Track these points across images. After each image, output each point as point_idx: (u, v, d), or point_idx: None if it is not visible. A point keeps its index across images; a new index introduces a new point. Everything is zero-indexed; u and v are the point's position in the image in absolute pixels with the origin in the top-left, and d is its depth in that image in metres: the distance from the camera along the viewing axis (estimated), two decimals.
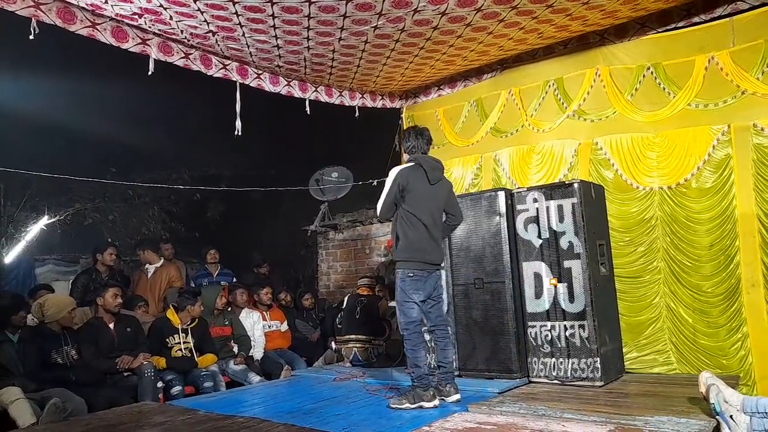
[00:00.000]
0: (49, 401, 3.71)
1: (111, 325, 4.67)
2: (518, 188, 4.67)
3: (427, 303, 3.82)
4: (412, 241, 3.74)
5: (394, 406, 3.69)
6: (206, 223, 13.03)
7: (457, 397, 3.78)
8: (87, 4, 4.07)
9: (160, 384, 4.51)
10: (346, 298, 5.95)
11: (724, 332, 4.49)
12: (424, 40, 4.89)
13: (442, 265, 4.05)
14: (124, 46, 4.44)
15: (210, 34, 4.58)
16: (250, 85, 5.41)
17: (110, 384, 4.41)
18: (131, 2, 4.01)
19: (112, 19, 4.30)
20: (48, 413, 3.66)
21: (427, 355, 3.85)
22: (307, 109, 5.88)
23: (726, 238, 4.53)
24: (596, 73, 5.26)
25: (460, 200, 4.70)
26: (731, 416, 2.83)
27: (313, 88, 5.95)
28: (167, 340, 4.89)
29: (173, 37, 4.67)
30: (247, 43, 4.77)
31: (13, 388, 3.75)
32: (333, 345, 5.92)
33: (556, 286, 4.23)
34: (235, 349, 5.42)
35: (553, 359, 4.20)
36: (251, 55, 5.06)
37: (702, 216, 4.64)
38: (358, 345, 5.50)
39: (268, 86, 5.59)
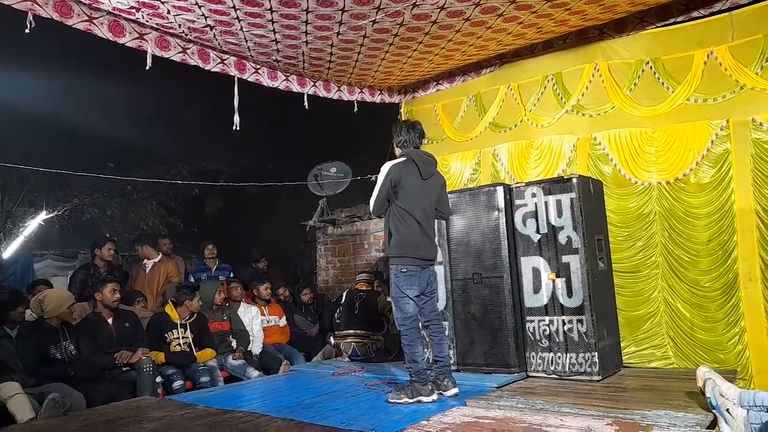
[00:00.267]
0: (48, 396, 3.71)
1: (109, 321, 4.67)
2: (517, 183, 4.67)
3: (421, 299, 3.81)
4: (404, 237, 3.72)
5: (392, 400, 3.69)
6: (204, 219, 13.02)
7: (455, 390, 3.78)
8: None
9: (159, 379, 4.51)
10: (344, 293, 5.95)
11: (722, 327, 4.50)
12: (422, 35, 4.87)
13: (436, 260, 4.04)
14: (121, 40, 4.42)
15: (208, 29, 4.56)
16: (248, 79, 5.39)
17: (109, 379, 4.41)
18: None
19: (109, 12, 4.28)
20: (47, 408, 3.66)
21: (425, 350, 3.85)
22: (306, 103, 5.87)
23: (724, 233, 4.54)
24: (595, 68, 5.25)
25: (459, 195, 4.71)
26: (728, 410, 2.84)
27: (312, 83, 5.93)
28: (166, 335, 4.90)
29: (171, 31, 4.65)
30: (245, 38, 4.75)
31: (11, 383, 3.75)
32: (331, 340, 5.93)
33: (554, 281, 4.23)
34: (234, 344, 5.42)
35: (551, 354, 4.21)
36: (249, 50, 5.05)
37: (700, 211, 4.65)
38: (356, 340, 5.51)
39: (266, 81, 5.57)
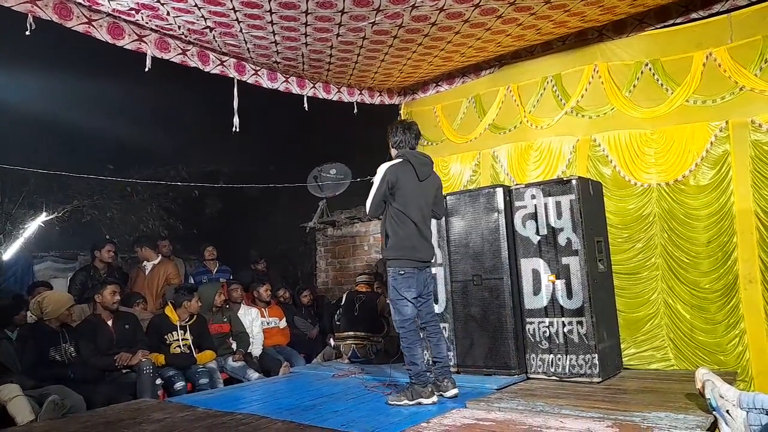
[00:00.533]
0: (48, 398, 3.71)
1: (109, 322, 4.67)
2: (516, 185, 4.67)
3: (418, 300, 3.80)
4: (401, 238, 3.72)
5: (392, 402, 3.69)
6: (204, 220, 13.03)
7: (455, 391, 3.78)
8: (83, 0, 4.05)
9: (158, 381, 4.51)
10: (344, 295, 5.95)
11: (722, 328, 4.50)
12: (422, 37, 4.88)
13: (433, 261, 4.03)
14: (120, 43, 4.42)
15: (207, 30, 4.56)
16: (248, 81, 5.39)
17: (109, 381, 4.41)
18: None
19: (108, 14, 4.27)
20: (46, 410, 3.66)
21: (424, 352, 3.85)
22: (305, 105, 5.87)
23: (724, 234, 4.54)
24: (594, 70, 5.25)
25: (459, 196, 4.71)
26: (727, 411, 2.84)
27: (311, 85, 5.94)
28: (166, 336, 4.89)
29: (170, 33, 4.64)
30: (244, 39, 4.75)
31: (11, 385, 3.75)
32: (331, 342, 5.93)
33: (554, 283, 4.23)
34: (234, 345, 5.42)
35: (552, 355, 4.21)
36: (249, 51, 5.05)
37: (700, 212, 4.65)
38: (356, 342, 5.51)
39: (265, 82, 5.57)
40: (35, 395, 3.82)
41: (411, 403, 3.64)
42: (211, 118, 9.40)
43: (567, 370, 4.12)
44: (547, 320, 4.25)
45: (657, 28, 4.98)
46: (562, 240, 4.23)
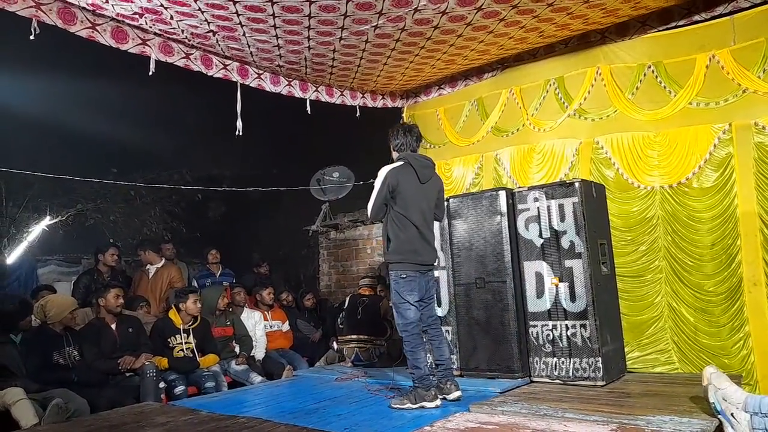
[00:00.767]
0: (52, 402, 3.72)
1: (113, 326, 4.68)
2: (519, 187, 4.67)
3: (420, 304, 3.80)
4: (403, 242, 3.71)
5: (395, 406, 3.68)
6: (208, 224, 13.05)
7: (458, 394, 3.77)
8: (88, 4, 4.07)
9: (162, 384, 4.51)
10: (347, 298, 5.95)
11: (726, 331, 4.48)
12: (424, 40, 4.88)
13: (436, 264, 4.03)
14: (124, 47, 4.44)
15: (210, 34, 4.58)
16: (251, 85, 5.41)
17: (112, 384, 4.42)
18: (132, 2, 4.01)
19: (112, 19, 4.30)
20: (50, 414, 3.67)
21: (427, 356, 3.84)
22: (308, 108, 5.88)
23: (727, 237, 4.52)
24: (597, 72, 5.25)
25: (461, 199, 4.71)
26: (732, 414, 2.83)
27: (314, 88, 5.95)
28: (169, 340, 4.90)
29: (174, 37, 4.67)
30: (247, 43, 4.77)
31: (15, 388, 3.76)
32: (334, 345, 5.92)
33: (557, 286, 4.22)
34: (237, 349, 5.42)
35: (555, 359, 4.19)
36: (252, 55, 5.06)
37: (703, 215, 4.63)
38: (359, 345, 5.50)
39: (268, 86, 5.58)
40: (39, 399, 3.83)
41: (414, 406, 3.63)
42: (214, 122, 9.44)
43: (570, 374, 4.11)
44: (550, 323, 4.24)
45: (659, 31, 4.98)
46: (565, 243, 4.22)
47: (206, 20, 4.30)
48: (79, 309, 4.72)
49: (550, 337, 4.23)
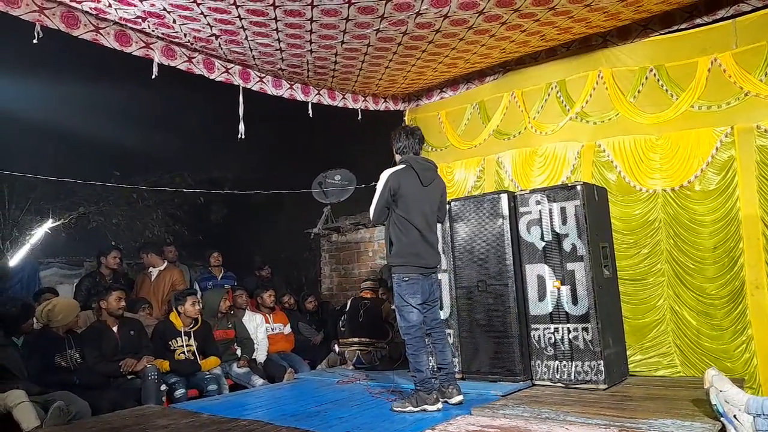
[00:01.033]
0: (53, 404, 3.72)
1: (114, 329, 4.68)
2: (521, 191, 4.67)
3: (423, 307, 3.80)
4: (405, 245, 3.72)
5: (397, 409, 3.68)
6: (210, 227, 13.06)
7: (459, 398, 3.77)
8: (91, 8, 4.09)
9: (163, 387, 4.51)
10: (349, 301, 5.96)
11: (729, 335, 4.47)
12: (426, 43, 4.90)
13: (440, 267, 4.02)
14: (128, 50, 4.46)
15: (213, 38, 4.60)
16: (253, 88, 5.43)
17: (114, 387, 4.42)
18: (135, 6, 4.03)
19: (115, 23, 4.32)
20: (52, 416, 3.67)
21: (429, 359, 3.84)
22: (310, 112, 5.90)
23: (730, 240, 4.52)
24: (599, 75, 5.26)
25: (463, 202, 4.71)
26: (735, 416, 2.82)
27: (316, 91, 5.97)
28: (170, 343, 4.90)
29: (176, 40, 4.69)
30: (250, 47, 4.79)
31: (17, 391, 3.76)
32: (336, 348, 5.92)
33: (559, 289, 4.22)
34: (239, 352, 5.42)
35: (557, 362, 4.19)
36: (254, 59, 5.08)
37: (706, 218, 4.63)
38: (361, 348, 5.50)
39: (270, 89, 5.60)
40: (41, 401, 3.83)
41: (415, 409, 3.63)
42: (216, 125, 9.46)
43: (572, 377, 4.11)
44: (552, 326, 4.24)
45: (661, 34, 4.99)
46: (567, 246, 4.22)
47: (209, 24, 4.32)
48: (81, 312, 4.73)
49: (552, 340, 4.22)
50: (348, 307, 5.83)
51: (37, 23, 3.91)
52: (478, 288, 4.53)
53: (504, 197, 4.50)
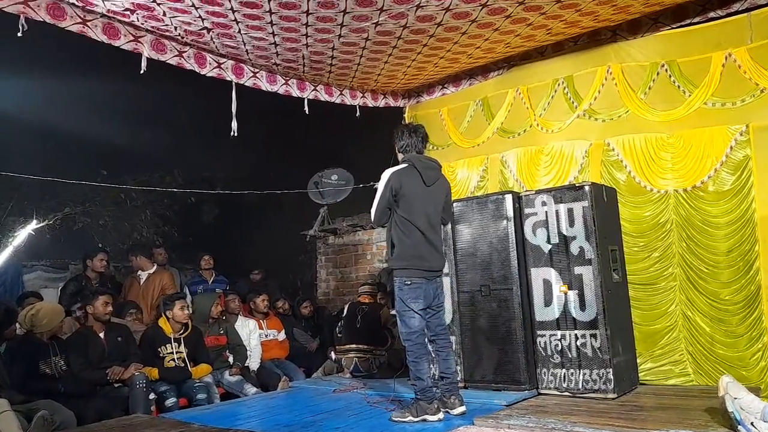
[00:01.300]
0: (37, 413, 3.71)
1: (101, 334, 4.68)
2: (526, 191, 4.67)
3: (427, 312, 3.80)
4: (407, 247, 3.72)
5: (396, 419, 3.68)
6: (201, 228, 13.04)
7: (462, 409, 3.77)
8: (77, 0, 4.09)
9: (152, 396, 4.51)
10: (346, 306, 5.96)
11: (744, 342, 4.47)
12: (427, 37, 4.90)
13: (444, 271, 4.03)
14: (116, 43, 4.46)
15: (205, 31, 4.60)
16: (246, 84, 5.43)
17: (100, 395, 4.41)
18: None
19: (103, 15, 4.32)
20: (36, 426, 3.66)
21: (431, 367, 3.84)
22: (306, 108, 5.90)
23: (745, 242, 4.52)
24: (608, 71, 5.26)
25: (466, 203, 4.71)
26: (752, 423, 2.82)
27: (312, 87, 5.97)
28: (159, 349, 4.89)
29: (166, 34, 4.69)
30: (243, 41, 4.79)
31: None
32: (332, 355, 5.92)
33: (566, 294, 4.23)
34: (231, 359, 5.42)
35: (564, 370, 4.19)
36: (247, 53, 5.08)
37: (720, 220, 4.63)
38: (358, 355, 5.50)
39: (264, 85, 5.60)
40: (24, 410, 3.82)
41: (416, 419, 3.63)
42: (208, 122, 9.45)
43: (580, 386, 4.11)
44: (559, 333, 4.24)
45: (673, 28, 4.99)
46: (574, 249, 4.22)
47: (200, 17, 4.32)
48: (66, 317, 4.72)
49: (559, 348, 4.22)
50: (345, 313, 5.83)
51: (21, 15, 3.91)
52: (482, 293, 4.53)
53: (508, 198, 4.51)
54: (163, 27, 4.53)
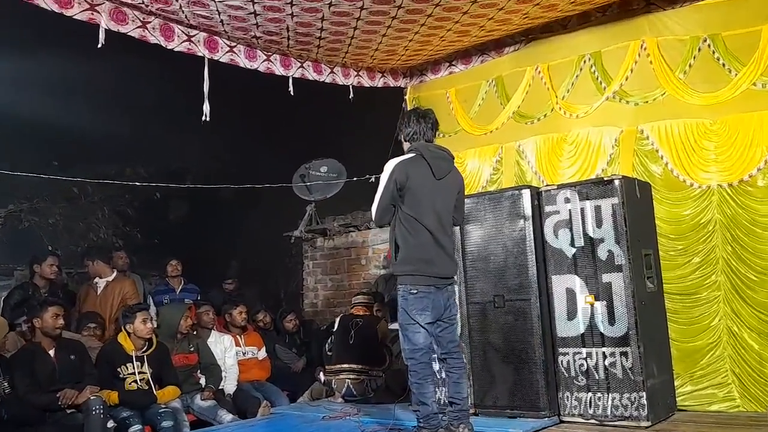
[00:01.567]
0: None
1: (51, 352, 4.66)
2: (547, 186, 4.68)
3: (438, 325, 3.80)
4: (413, 250, 3.72)
5: None
6: (167, 228, 13.02)
7: None
8: None
9: (110, 423, 4.49)
10: (337, 320, 5.96)
11: None
12: (432, 6, 4.90)
13: (455, 278, 4.03)
14: (69, 12, 4.44)
15: None
16: (221, 60, 5.42)
17: (50, 423, 4.40)
18: None
19: None
20: None
21: (437, 390, 3.84)
22: (291, 88, 5.89)
23: None
24: (641, 47, 5.26)
25: (477, 200, 4.72)
26: None
27: (298, 64, 5.96)
28: (119, 369, 4.88)
29: (127, 1, 4.67)
30: (217, 9, 4.77)
31: None
32: (321, 376, 5.92)
33: (592, 305, 4.23)
34: (203, 381, 5.41)
35: (590, 394, 4.19)
36: (222, 24, 5.07)
37: None
38: (351, 376, 5.50)
39: (243, 61, 5.60)
40: None
41: None
42: (176, 105, 9.43)
43: (609, 412, 4.11)
44: (584, 351, 4.24)
45: None
46: (602, 253, 4.23)
47: None
48: (10, 332, 4.71)
49: (584, 368, 4.23)
50: (336, 327, 5.83)
51: None
52: (495, 304, 4.53)
53: (526, 194, 4.51)
54: None
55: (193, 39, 5.21)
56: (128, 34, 4.81)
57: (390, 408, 4.74)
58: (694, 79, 5.04)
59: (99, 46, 4.59)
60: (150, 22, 4.91)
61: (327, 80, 6.23)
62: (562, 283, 4.37)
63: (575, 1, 5.10)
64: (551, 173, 5.64)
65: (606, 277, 4.20)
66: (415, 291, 3.71)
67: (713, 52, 4.98)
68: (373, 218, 3.88)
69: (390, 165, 3.81)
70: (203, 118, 5.27)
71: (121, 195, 12.01)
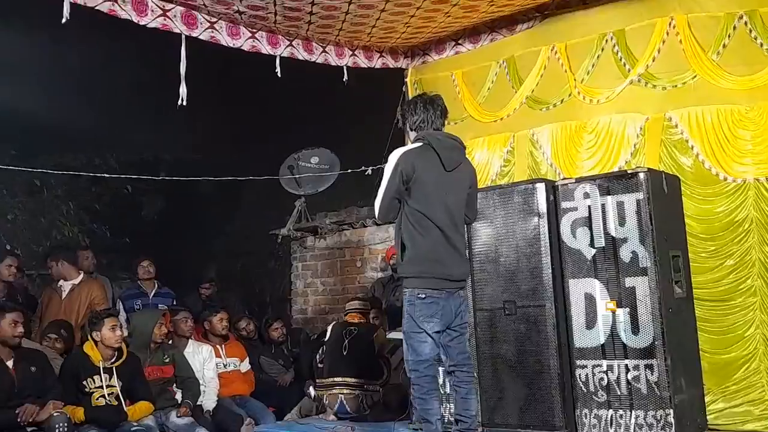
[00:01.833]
0: None
1: (9, 363, 4.65)
2: (564, 179, 4.68)
3: (447, 334, 3.79)
4: (422, 249, 3.71)
5: None
6: (139, 225, 13.02)
7: None
8: None
9: None
10: (329, 328, 5.95)
11: None
12: None
13: (468, 281, 4.03)
14: None
15: None
16: (200, 38, 5.41)
17: None
18: None
19: None
20: None
21: (442, 406, 3.84)
22: (278, 69, 5.89)
23: None
24: (670, 24, 5.27)
25: (485, 194, 4.71)
26: None
27: (287, 42, 5.95)
28: (85, 383, 4.88)
29: None
30: None
31: None
32: (311, 391, 5.93)
33: (614, 312, 4.23)
34: (179, 395, 5.42)
35: (611, 411, 4.20)
36: None
37: None
38: (345, 391, 5.50)
39: (225, 39, 5.59)
40: None
41: None
42: (150, 88, 9.41)
43: (632, 431, 4.12)
44: (604, 363, 4.25)
45: None
46: (625, 254, 4.23)
47: None
48: None
49: (605, 382, 4.23)
50: (328, 336, 5.83)
51: None
52: (505, 311, 4.53)
53: (540, 188, 4.51)
54: None
55: (168, 14, 5.19)
56: (96, 8, 4.79)
57: (388, 426, 4.75)
58: (728, 60, 5.04)
59: (63, 21, 4.58)
60: None
61: (319, 60, 6.22)
62: (580, 288, 4.37)
63: None
64: (568, 165, 5.64)
65: (629, 281, 4.20)
66: (423, 295, 3.71)
67: (750, 31, 4.98)
68: (377, 214, 3.88)
69: (395, 155, 3.81)
70: (179, 101, 5.26)
71: (88, 188, 12.01)
